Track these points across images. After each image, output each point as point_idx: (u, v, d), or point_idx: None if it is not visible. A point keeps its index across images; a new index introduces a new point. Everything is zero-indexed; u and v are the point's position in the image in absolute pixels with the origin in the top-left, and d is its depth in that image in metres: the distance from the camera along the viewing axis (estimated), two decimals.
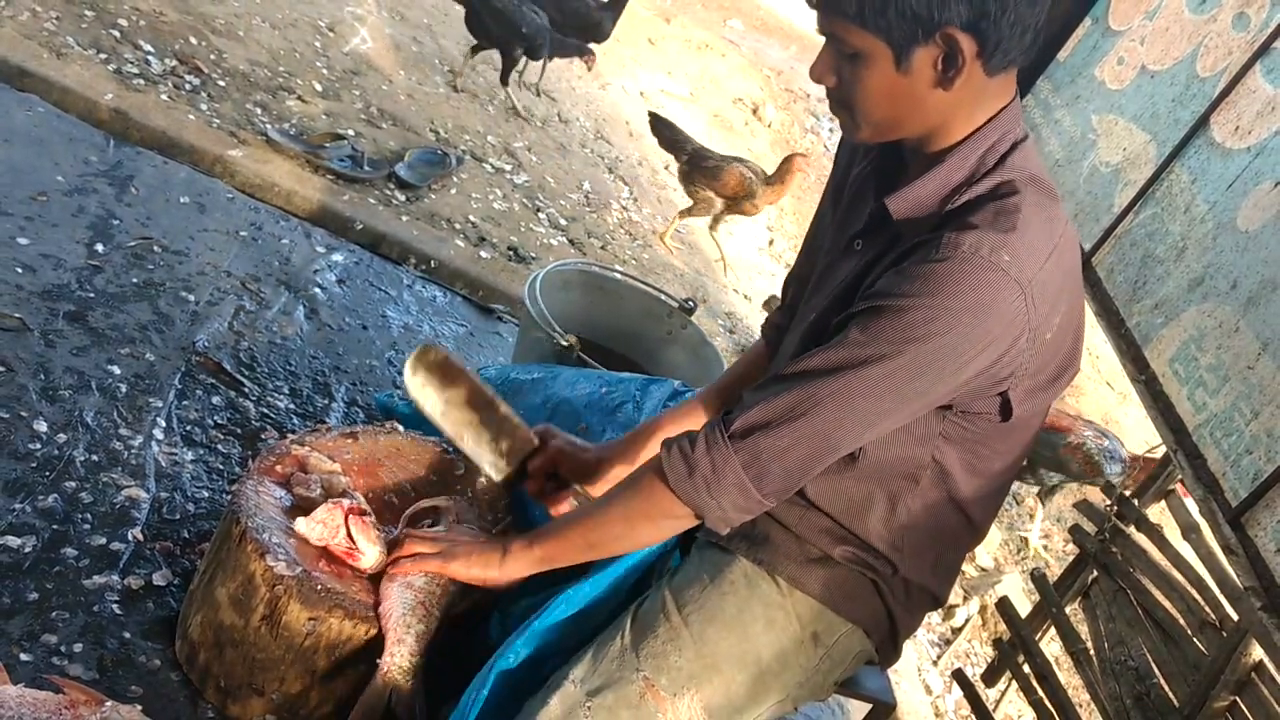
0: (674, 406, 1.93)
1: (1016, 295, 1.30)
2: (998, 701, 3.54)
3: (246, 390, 2.61)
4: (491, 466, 1.88)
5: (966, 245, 1.29)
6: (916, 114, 1.37)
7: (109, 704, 1.58)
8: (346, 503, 1.80)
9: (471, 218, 4.08)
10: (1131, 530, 3.14)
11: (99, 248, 2.79)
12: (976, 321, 1.30)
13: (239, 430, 2.48)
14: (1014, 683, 3.35)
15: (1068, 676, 3.53)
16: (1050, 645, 3.39)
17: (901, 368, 1.32)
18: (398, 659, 1.69)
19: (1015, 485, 4.80)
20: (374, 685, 1.69)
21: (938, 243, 1.31)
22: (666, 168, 5.75)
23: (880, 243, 1.46)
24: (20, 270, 2.57)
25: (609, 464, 1.84)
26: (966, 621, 4.39)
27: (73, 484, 2.11)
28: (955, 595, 4.34)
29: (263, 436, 2.50)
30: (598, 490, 1.85)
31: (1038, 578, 3.43)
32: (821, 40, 1.39)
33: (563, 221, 4.51)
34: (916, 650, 3.90)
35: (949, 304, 1.29)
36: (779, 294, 1.89)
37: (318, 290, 3.17)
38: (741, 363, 1.90)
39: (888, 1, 1.27)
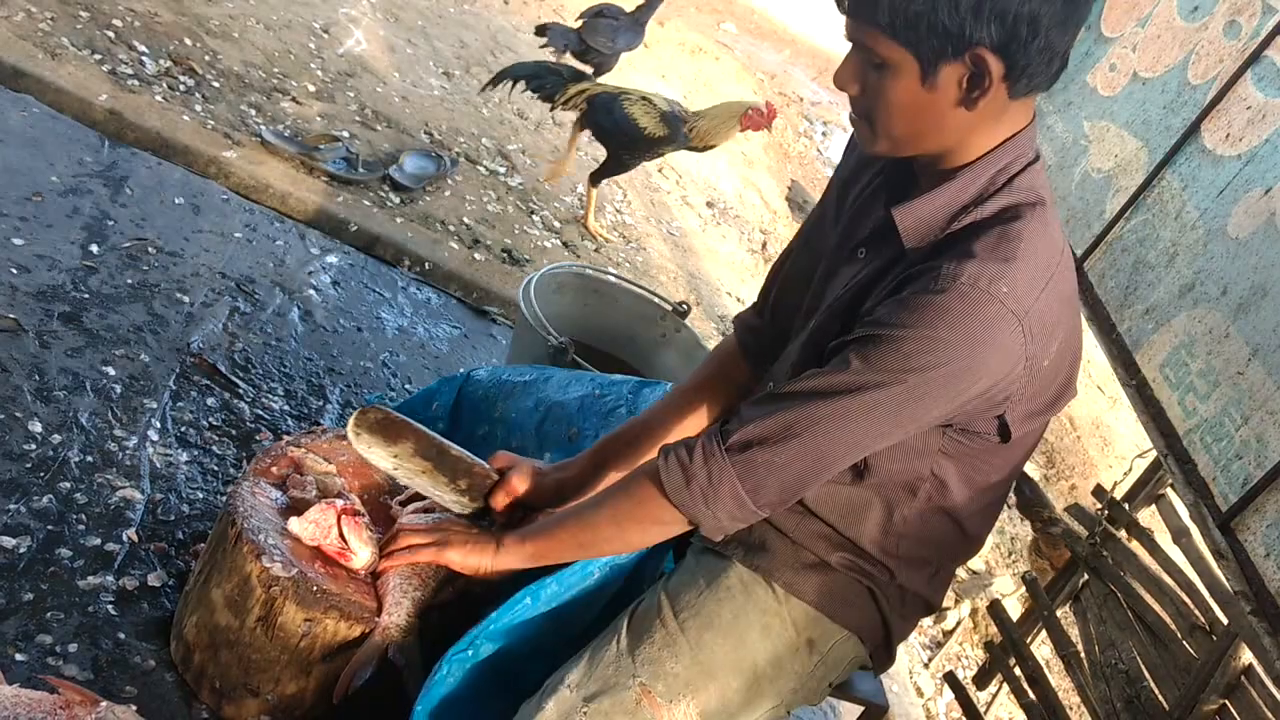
0: (635, 422, 1.88)
1: (1014, 327, 1.31)
2: (989, 704, 3.55)
3: (241, 392, 2.62)
4: (455, 506, 1.88)
5: (965, 276, 1.30)
6: (936, 131, 1.37)
7: (104, 704, 1.58)
8: (339, 503, 1.81)
9: (466, 220, 4.08)
10: (1122, 534, 3.16)
11: (94, 248, 2.79)
12: (973, 353, 1.31)
13: (234, 432, 2.48)
14: (1005, 685, 3.36)
15: (1058, 679, 3.55)
16: (1041, 648, 3.40)
17: (898, 395, 1.34)
18: (395, 617, 1.71)
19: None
20: (371, 642, 1.71)
21: (937, 273, 1.32)
22: (660, 170, 5.76)
23: (884, 254, 1.46)
24: (15, 271, 2.57)
25: (572, 486, 1.82)
26: (958, 624, 4.41)
27: (67, 485, 2.11)
28: (947, 598, 4.35)
29: (257, 438, 2.50)
30: None
31: (1029, 581, 3.45)
32: (846, 49, 1.39)
33: (556, 224, 4.52)
34: (908, 653, 3.91)
35: (946, 336, 1.30)
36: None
37: (312, 292, 3.17)
38: (709, 370, 1.87)
39: (920, 15, 1.26)
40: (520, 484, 1.82)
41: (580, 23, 5.17)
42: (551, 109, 4.44)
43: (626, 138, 4.25)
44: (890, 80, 1.34)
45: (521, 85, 4.37)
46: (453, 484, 1.84)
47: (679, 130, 4.20)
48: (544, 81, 4.36)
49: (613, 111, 4.22)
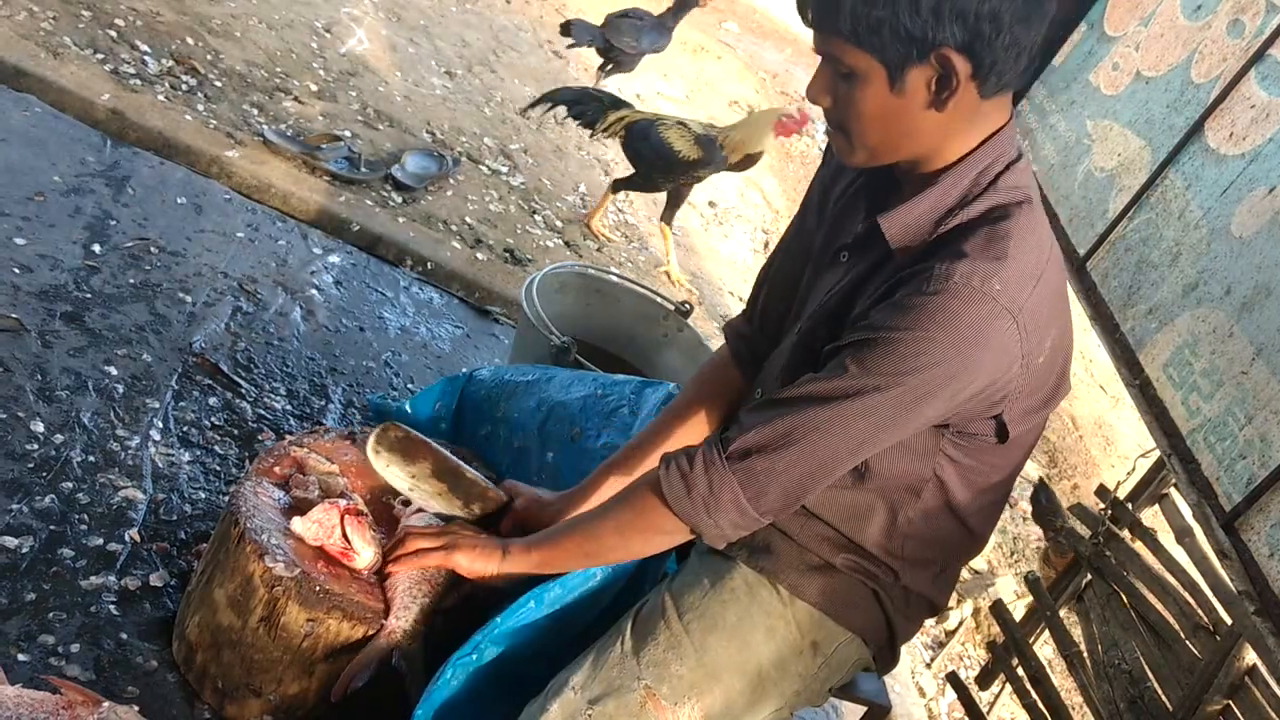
0: (634, 442, 1.89)
1: (1009, 325, 1.31)
2: (991, 704, 3.54)
3: (243, 391, 2.62)
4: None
5: (958, 276, 1.30)
6: (910, 136, 1.38)
7: (106, 704, 1.58)
8: (342, 503, 1.81)
9: (468, 219, 4.08)
10: (1125, 534, 3.15)
11: (96, 248, 2.79)
12: (969, 353, 1.31)
13: (236, 431, 2.48)
14: (1008, 685, 3.36)
15: (1061, 679, 3.54)
16: (1044, 648, 3.40)
17: (896, 398, 1.34)
18: (403, 622, 1.71)
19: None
20: (375, 643, 1.71)
21: (929, 274, 1.32)
22: None
23: (869, 258, 1.46)
24: (17, 271, 2.57)
25: (574, 511, 1.83)
26: (960, 624, 4.40)
27: (70, 485, 2.11)
28: (950, 598, 4.34)
29: (259, 438, 2.50)
30: None
31: (1032, 581, 3.44)
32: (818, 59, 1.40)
33: (558, 224, 4.52)
34: (911, 653, 3.91)
35: (941, 337, 1.30)
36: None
37: (314, 292, 3.17)
38: (703, 383, 1.86)
39: (882, 20, 1.27)
40: (526, 514, 1.86)
41: (605, 21, 5.24)
42: (591, 135, 4.50)
43: (664, 162, 4.30)
44: (860, 89, 1.34)
45: (563, 110, 4.44)
46: (466, 508, 1.86)
47: (715, 152, 4.26)
48: (585, 108, 4.43)
49: (649, 137, 4.28)
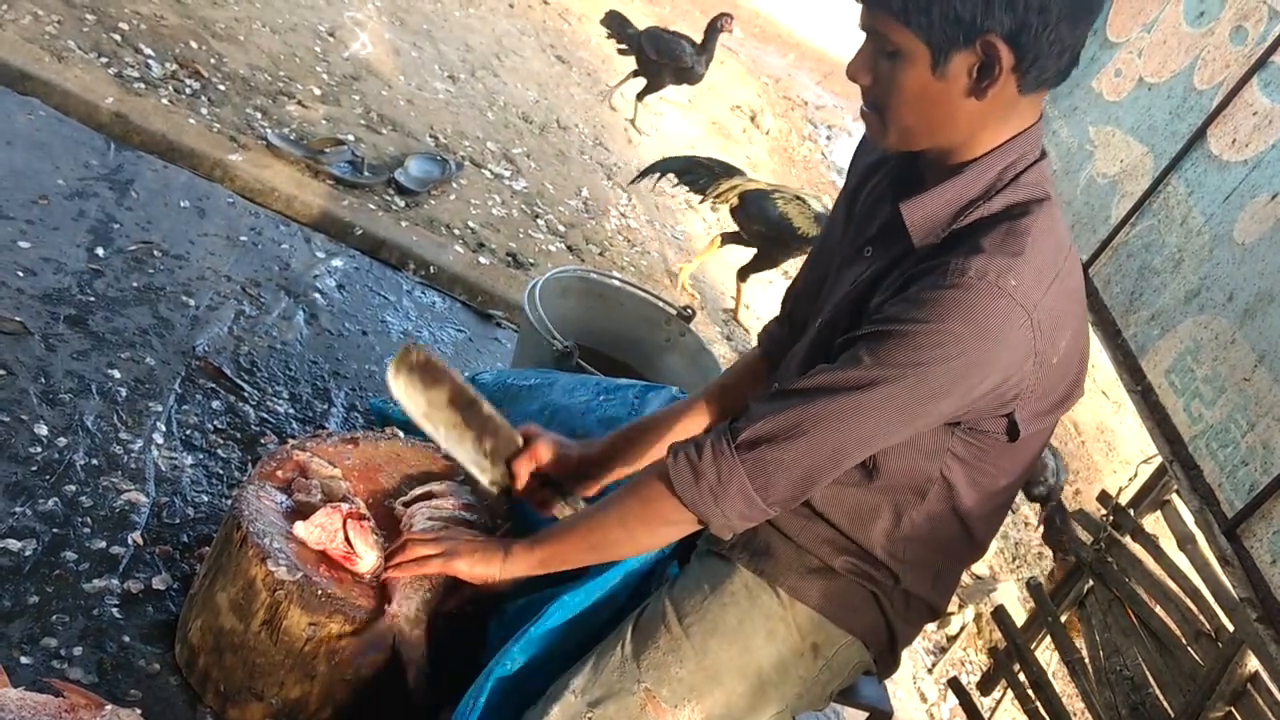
0: (664, 409, 1.92)
1: (1023, 320, 1.31)
2: (993, 710, 3.54)
3: (246, 395, 2.62)
4: (475, 466, 1.87)
5: (973, 270, 1.30)
6: (945, 123, 1.38)
7: (109, 707, 1.58)
8: (345, 507, 1.81)
9: (470, 224, 4.09)
10: (1127, 540, 3.15)
11: (99, 251, 2.80)
12: (983, 347, 1.31)
13: (238, 435, 2.48)
14: (1009, 691, 3.36)
15: (1063, 685, 3.54)
16: (1045, 654, 3.40)
17: (906, 390, 1.34)
18: (404, 609, 1.71)
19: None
20: (376, 627, 1.71)
21: (945, 268, 1.32)
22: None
23: (891, 252, 1.46)
24: (21, 274, 2.57)
25: (597, 463, 1.84)
26: (962, 630, 4.40)
27: (73, 488, 2.11)
28: (951, 604, 4.34)
29: (262, 441, 2.50)
30: (589, 490, 1.86)
31: (1033, 587, 3.44)
32: (855, 44, 1.40)
33: (561, 228, 4.52)
34: (912, 658, 3.90)
35: (955, 329, 1.30)
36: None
37: (317, 295, 3.17)
38: (737, 369, 1.90)
39: (933, 1, 1.28)
40: (545, 453, 1.84)
41: (644, 30, 5.62)
42: (701, 201, 4.52)
43: (781, 235, 4.31)
44: (902, 69, 1.35)
45: (672, 179, 4.47)
46: (478, 442, 1.84)
47: None
48: (696, 176, 4.45)
49: (765, 210, 4.29)
